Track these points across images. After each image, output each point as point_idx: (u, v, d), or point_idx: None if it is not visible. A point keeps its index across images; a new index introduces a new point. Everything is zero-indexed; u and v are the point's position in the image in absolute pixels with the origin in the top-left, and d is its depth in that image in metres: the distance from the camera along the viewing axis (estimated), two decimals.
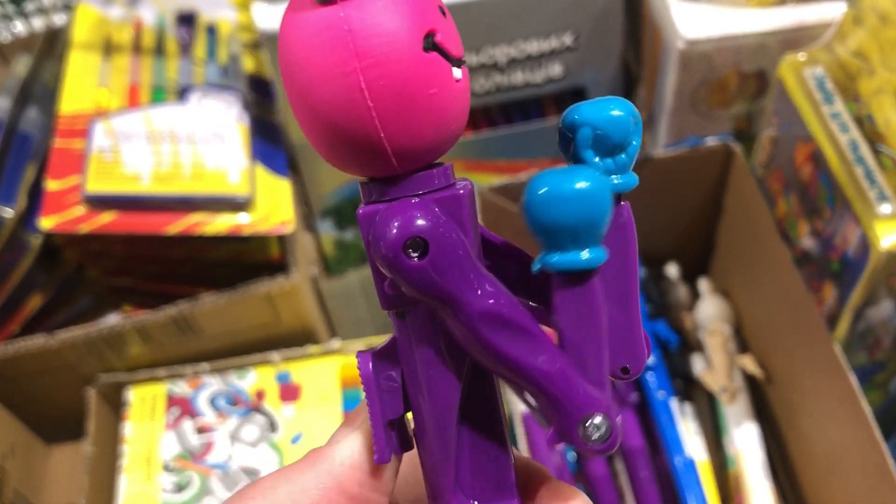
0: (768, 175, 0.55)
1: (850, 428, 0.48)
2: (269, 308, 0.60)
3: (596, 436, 0.18)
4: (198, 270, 0.62)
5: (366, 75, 0.16)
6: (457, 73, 0.18)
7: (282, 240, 0.61)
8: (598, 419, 0.18)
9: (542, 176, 0.18)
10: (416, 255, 0.17)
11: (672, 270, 0.67)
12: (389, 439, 0.21)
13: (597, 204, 0.17)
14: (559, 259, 0.18)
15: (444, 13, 0.18)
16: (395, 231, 0.17)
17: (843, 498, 0.51)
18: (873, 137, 0.46)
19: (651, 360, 0.59)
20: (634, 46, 0.64)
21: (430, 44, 0.16)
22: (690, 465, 0.55)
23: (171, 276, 0.62)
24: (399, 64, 0.16)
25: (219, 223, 0.57)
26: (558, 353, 0.19)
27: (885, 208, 0.44)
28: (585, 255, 0.18)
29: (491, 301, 0.18)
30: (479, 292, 0.18)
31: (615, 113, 0.19)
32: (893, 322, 0.49)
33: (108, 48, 0.66)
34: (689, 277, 0.67)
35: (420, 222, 0.17)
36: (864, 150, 0.46)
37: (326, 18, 0.16)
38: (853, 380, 0.47)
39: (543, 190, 0.18)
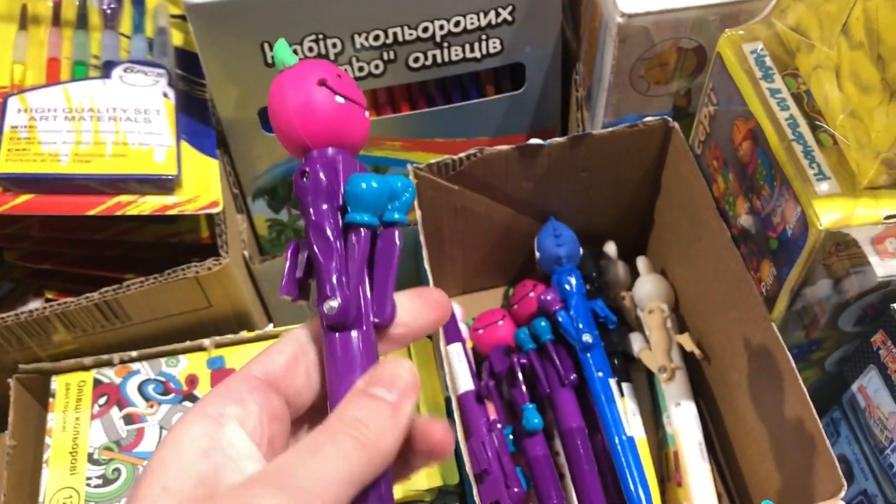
0: (706, 152, 0.55)
1: (788, 407, 0.48)
2: (198, 292, 0.58)
3: (326, 308, 0.27)
4: (124, 253, 0.59)
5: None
6: (339, 98, 0.29)
7: (211, 221, 0.59)
8: (333, 303, 0.27)
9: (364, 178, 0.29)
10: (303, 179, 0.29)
11: (610, 249, 0.67)
12: (292, 284, 0.29)
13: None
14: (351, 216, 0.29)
15: (339, 76, 0.30)
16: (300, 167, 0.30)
17: (780, 476, 0.51)
18: (812, 114, 0.46)
19: (589, 339, 0.58)
20: (573, 21, 0.63)
21: (322, 83, 0.29)
22: (629, 443, 0.55)
23: (96, 259, 0.59)
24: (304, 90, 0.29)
25: (144, 204, 0.54)
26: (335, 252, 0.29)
27: (824, 187, 0.44)
28: (364, 218, 0.29)
29: (315, 219, 0.29)
30: (314, 215, 0.29)
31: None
32: (831, 301, 0.49)
33: (25, 20, 0.63)
34: (628, 256, 0.67)
35: (307, 168, 0.29)
36: (804, 127, 0.46)
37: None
38: (791, 359, 0.48)
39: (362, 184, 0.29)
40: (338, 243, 0.28)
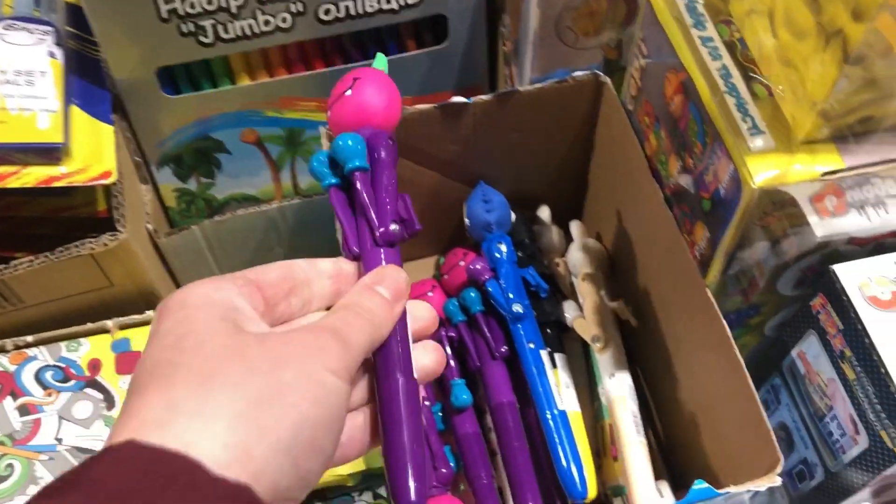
0: (638, 108, 0.51)
1: (724, 377, 0.46)
2: (96, 270, 0.54)
3: (393, 229, 0.36)
4: (11, 230, 0.54)
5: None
6: (348, 92, 0.36)
7: (108, 193, 0.54)
8: (394, 226, 0.36)
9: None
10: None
11: (544, 213, 0.63)
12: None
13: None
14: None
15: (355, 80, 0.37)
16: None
17: (716, 447, 0.49)
18: (746, 64, 0.43)
19: (520, 309, 0.55)
20: None
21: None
22: (561, 418, 0.52)
23: None
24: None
25: (27, 175, 0.49)
26: None
27: (758, 142, 0.40)
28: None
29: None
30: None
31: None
32: (769, 263, 0.46)
33: None
34: (564, 220, 0.64)
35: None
36: (737, 78, 0.42)
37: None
38: (726, 328, 0.45)
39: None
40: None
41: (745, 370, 0.43)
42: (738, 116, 0.41)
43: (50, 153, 0.50)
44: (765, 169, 0.39)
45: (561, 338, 0.58)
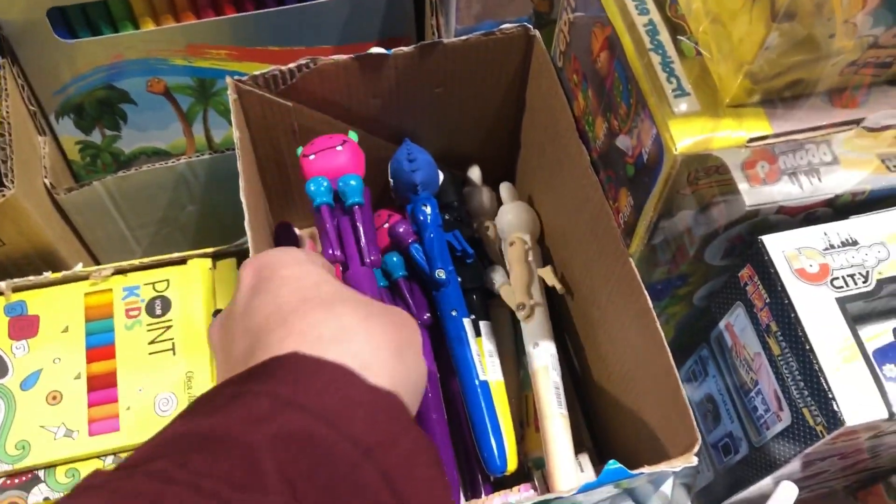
0: (567, 65, 0.48)
1: (645, 350, 0.44)
2: None
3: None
4: None
5: None
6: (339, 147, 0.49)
7: (1, 146, 0.50)
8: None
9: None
10: None
11: (474, 174, 0.61)
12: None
13: None
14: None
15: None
16: None
17: (637, 420, 0.47)
18: (675, 20, 0.40)
19: (443, 275, 0.52)
20: None
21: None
22: (482, 388, 0.50)
23: None
24: None
25: None
26: None
27: (682, 105, 0.38)
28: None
29: None
30: None
31: None
32: (697, 233, 0.44)
33: None
34: (496, 182, 0.61)
35: None
36: (664, 34, 0.39)
37: None
38: (648, 300, 0.43)
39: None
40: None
41: (666, 344, 0.41)
42: (664, 76, 0.38)
43: None
44: (689, 134, 0.37)
45: (487, 305, 0.56)
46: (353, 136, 0.51)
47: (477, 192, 0.60)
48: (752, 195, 0.43)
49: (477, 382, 0.50)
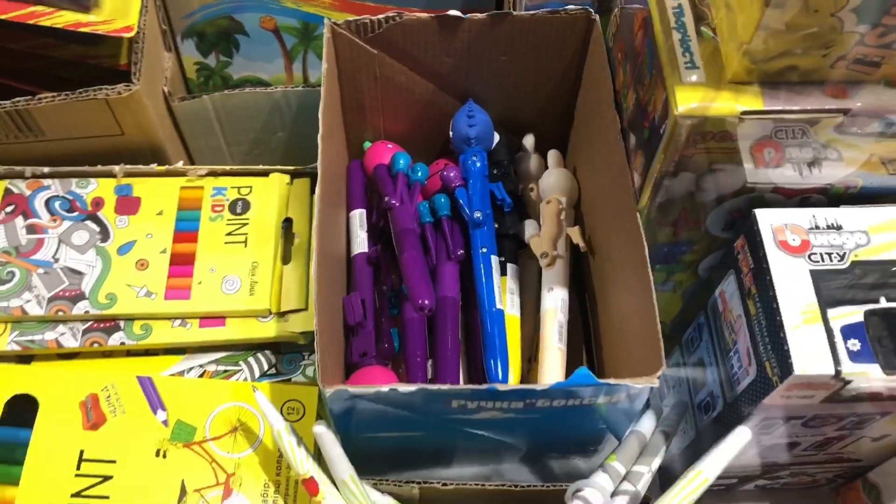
0: (615, 46, 0.55)
1: (638, 296, 0.50)
2: (109, 116, 0.60)
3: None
4: (42, 68, 0.61)
5: None
6: None
7: (131, 49, 0.60)
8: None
9: None
10: None
11: (528, 141, 0.68)
12: None
13: None
14: None
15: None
16: None
17: (623, 363, 0.53)
18: (701, 7, 0.46)
19: (479, 216, 0.60)
20: None
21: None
22: (497, 315, 0.57)
23: (15, 70, 0.60)
24: None
25: (59, 17, 0.56)
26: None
27: (691, 77, 0.44)
28: None
29: None
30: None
31: None
32: (699, 197, 0.50)
33: None
34: (547, 151, 0.68)
35: None
36: (688, 17, 0.46)
37: None
38: (645, 248, 0.49)
39: None
40: None
41: (652, 286, 0.48)
42: (680, 51, 0.45)
43: (82, 2, 0.55)
44: (690, 100, 0.43)
45: (516, 252, 0.63)
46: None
47: (528, 157, 0.67)
48: (753, 174, 0.49)
49: (493, 309, 0.58)
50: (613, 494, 0.53)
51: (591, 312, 0.63)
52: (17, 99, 0.58)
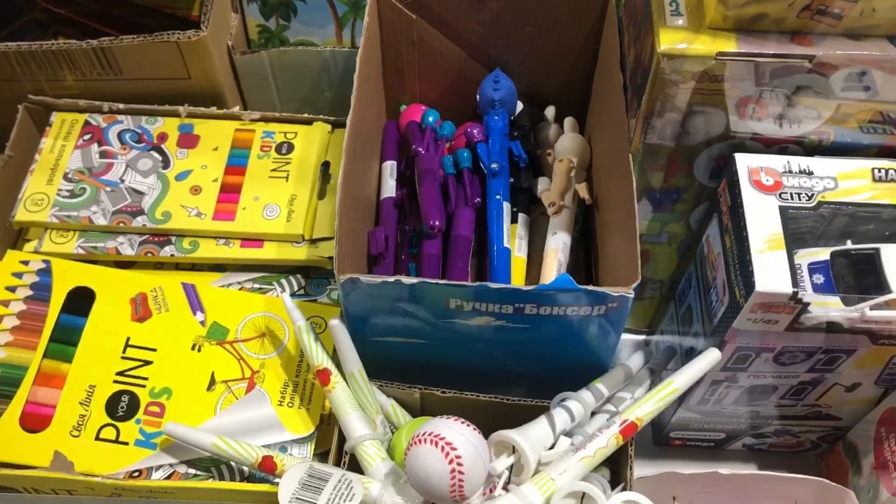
0: (624, 14, 0.62)
1: (623, 223, 0.55)
2: (179, 60, 0.68)
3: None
4: (127, 15, 0.70)
5: None
6: None
7: (203, 3, 0.69)
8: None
9: None
10: None
11: (550, 112, 0.74)
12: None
13: None
14: None
15: None
16: None
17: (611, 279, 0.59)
18: None
19: (496, 167, 0.66)
20: None
21: None
22: (504, 253, 0.63)
23: (105, 15, 0.70)
24: None
25: None
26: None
27: (676, 21, 0.50)
28: None
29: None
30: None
31: None
32: (687, 141, 0.55)
33: None
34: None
35: None
36: None
37: None
38: (633, 182, 0.55)
39: None
40: None
41: (636, 209, 0.53)
42: (668, 1, 0.51)
43: None
44: (672, 41, 0.49)
45: (529, 205, 0.69)
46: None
47: (548, 125, 0.74)
48: (736, 124, 0.54)
49: (501, 247, 0.64)
50: (596, 412, 0.58)
51: (593, 262, 0.69)
52: (102, 38, 0.67)
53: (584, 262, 0.70)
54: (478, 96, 0.71)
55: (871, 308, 0.51)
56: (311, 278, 0.67)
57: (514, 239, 0.66)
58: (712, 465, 0.70)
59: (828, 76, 0.50)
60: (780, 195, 0.53)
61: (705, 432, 0.68)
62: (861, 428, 0.64)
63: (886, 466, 0.59)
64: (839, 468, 0.66)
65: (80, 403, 0.58)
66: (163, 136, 0.70)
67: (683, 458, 0.70)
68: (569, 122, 0.72)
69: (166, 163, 0.69)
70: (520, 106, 0.73)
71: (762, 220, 0.51)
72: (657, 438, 0.71)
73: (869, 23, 0.49)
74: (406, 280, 0.51)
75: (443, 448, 0.49)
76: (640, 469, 0.65)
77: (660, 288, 0.70)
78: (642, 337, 0.76)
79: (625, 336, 0.77)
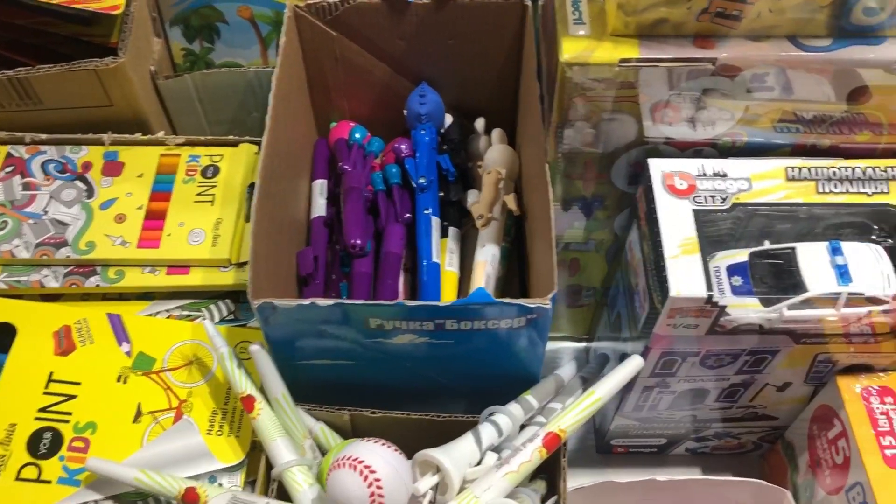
0: (542, 27, 0.61)
1: (542, 233, 0.55)
2: (99, 88, 0.67)
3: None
4: (43, 43, 0.69)
5: None
6: None
7: (122, 29, 0.68)
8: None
9: None
10: None
11: (479, 124, 0.74)
12: None
13: None
14: None
15: None
16: None
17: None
18: None
19: (424, 181, 0.66)
20: None
21: None
22: (433, 268, 0.63)
23: (18, 44, 0.69)
24: None
25: None
26: None
27: (578, 31, 0.50)
28: None
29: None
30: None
31: None
32: (600, 149, 0.55)
33: None
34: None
35: None
36: None
37: None
38: (550, 192, 0.54)
39: None
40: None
41: (552, 219, 0.53)
42: (570, 10, 0.51)
43: None
44: (574, 50, 0.49)
45: (460, 219, 0.69)
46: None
47: (478, 137, 0.73)
48: (649, 129, 0.54)
49: (430, 262, 0.63)
50: (527, 424, 0.58)
51: (527, 273, 0.68)
52: (19, 69, 0.66)
53: (518, 274, 0.70)
54: (405, 111, 0.71)
55: (789, 308, 0.51)
56: (241, 302, 0.66)
57: (445, 253, 0.66)
58: (655, 470, 0.69)
59: (733, 77, 0.50)
60: (694, 199, 0.52)
61: (646, 438, 0.68)
62: (797, 426, 0.64)
63: (820, 464, 0.59)
64: (779, 468, 0.66)
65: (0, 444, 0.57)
66: (87, 165, 0.69)
67: (626, 465, 0.70)
68: (496, 133, 0.72)
69: (91, 192, 0.68)
70: (449, 119, 0.73)
71: (676, 224, 0.51)
72: (600, 446, 0.71)
73: (768, 23, 0.49)
74: (321, 302, 0.51)
75: (361, 472, 0.48)
76: (582, 478, 0.64)
77: (594, 295, 0.70)
78: (582, 344, 0.76)
79: (564, 344, 0.76)
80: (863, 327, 0.52)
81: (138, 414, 0.59)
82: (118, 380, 0.60)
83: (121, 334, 0.62)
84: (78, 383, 0.60)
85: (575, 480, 0.61)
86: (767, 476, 0.68)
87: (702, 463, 0.71)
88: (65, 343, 0.61)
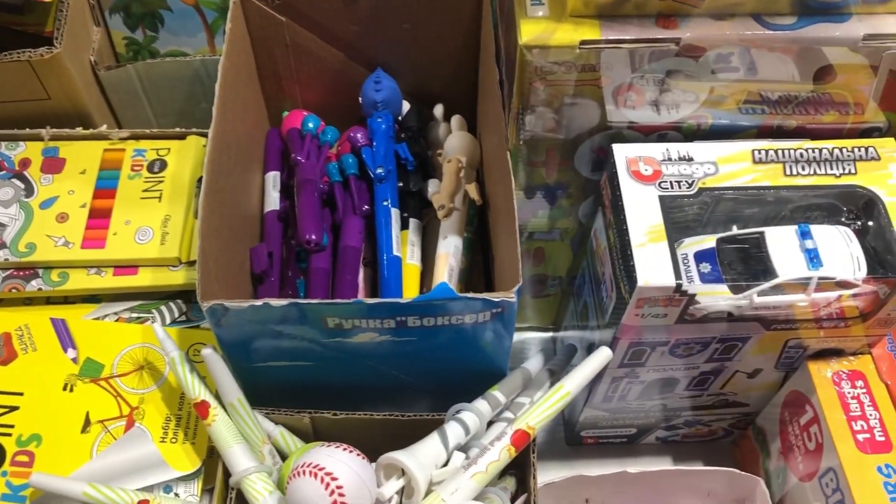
0: (500, 6, 0.59)
1: (505, 224, 0.53)
2: (35, 80, 0.64)
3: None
4: None
5: None
6: None
7: (57, 17, 0.64)
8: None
9: None
10: None
11: (438, 111, 0.71)
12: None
13: None
14: None
15: None
16: None
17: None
18: None
19: (382, 172, 0.63)
20: None
21: None
22: (393, 261, 0.60)
23: None
24: None
25: None
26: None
27: (536, 12, 0.48)
28: None
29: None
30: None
31: None
32: (562, 134, 0.53)
33: None
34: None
35: None
36: None
37: None
38: (513, 181, 0.52)
39: None
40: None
41: (515, 211, 0.51)
42: None
43: None
44: (533, 32, 0.47)
45: (420, 210, 0.67)
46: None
47: (437, 125, 0.71)
48: (612, 114, 0.52)
49: (390, 256, 0.61)
50: (494, 420, 0.56)
51: (491, 265, 0.66)
52: None
53: (482, 265, 0.68)
54: (360, 98, 0.68)
55: (759, 294, 0.49)
56: (192, 303, 0.63)
57: (406, 246, 0.63)
58: (626, 461, 0.68)
59: (697, 58, 0.49)
60: (659, 184, 0.51)
61: (616, 429, 0.67)
62: (768, 412, 0.63)
63: (792, 450, 0.58)
64: (751, 454, 0.65)
65: None
66: (25, 162, 0.66)
67: (597, 456, 0.69)
68: (455, 120, 0.69)
69: (30, 190, 0.65)
70: (406, 106, 0.70)
71: (642, 211, 0.50)
72: (569, 438, 0.70)
73: (732, 1, 0.47)
74: (275, 302, 0.48)
75: (322, 479, 0.46)
76: (553, 472, 0.63)
77: (560, 284, 0.68)
78: (549, 334, 0.75)
79: (531, 334, 0.75)
80: (832, 311, 0.51)
81: (87, 423, 0.56)
82: (64, 388, 0.57)
83: (66, 340, 0.59)
84: (20, 394, 0.57)
85: (545, 474, 0.59)
86: (739, 463, 0.67)
87: (673, 451, 0.70)
88: (4, 351, 0.58)
